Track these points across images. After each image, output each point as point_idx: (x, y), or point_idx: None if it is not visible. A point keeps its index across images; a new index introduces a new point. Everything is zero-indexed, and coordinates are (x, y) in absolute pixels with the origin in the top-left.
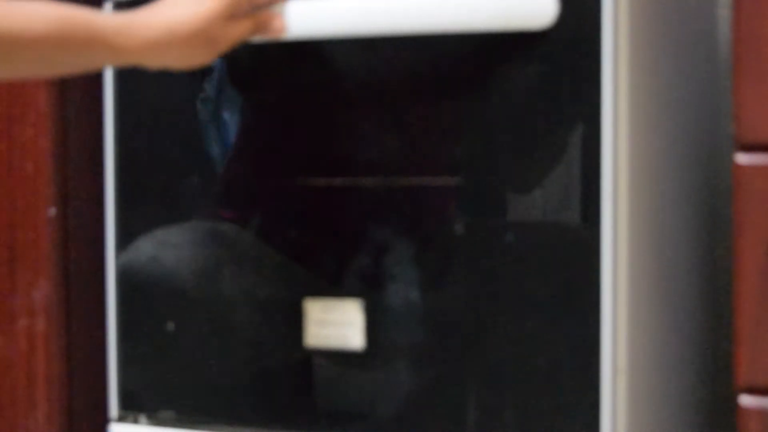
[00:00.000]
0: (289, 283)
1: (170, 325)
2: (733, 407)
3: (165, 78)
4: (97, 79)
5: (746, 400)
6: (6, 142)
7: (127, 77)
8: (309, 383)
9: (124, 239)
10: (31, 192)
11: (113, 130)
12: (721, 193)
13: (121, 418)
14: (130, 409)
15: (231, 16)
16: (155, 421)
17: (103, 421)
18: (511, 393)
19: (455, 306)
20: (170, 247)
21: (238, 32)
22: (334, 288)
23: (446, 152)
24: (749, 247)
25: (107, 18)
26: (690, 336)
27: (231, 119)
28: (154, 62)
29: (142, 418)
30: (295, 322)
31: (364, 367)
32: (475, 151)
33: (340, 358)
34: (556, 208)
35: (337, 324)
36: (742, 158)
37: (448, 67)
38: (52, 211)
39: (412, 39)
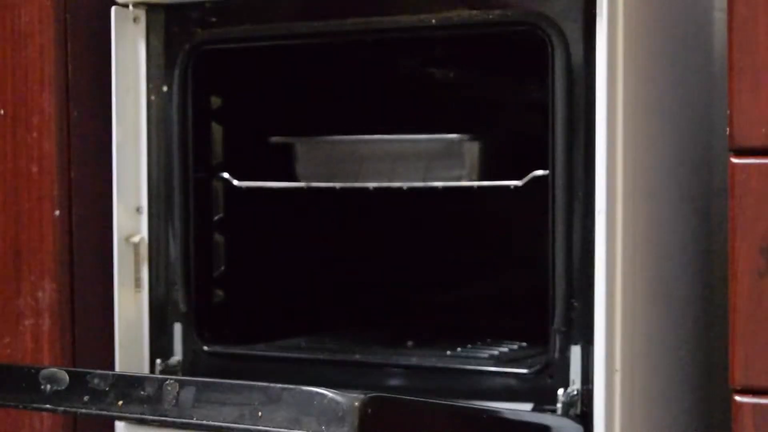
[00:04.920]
0: None
1: None
2: (728, 406)
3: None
4: (101, 82)
5: (741, 399)
6: (11, 144)
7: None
8: None
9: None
10: (36, 194)
11: (117, 133)
12: (716, 193)
13: None
14: None
15: None
16: None
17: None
18: None
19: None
20: None
21: None
22: None
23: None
24: (744, 248)
25: None
26: (685, 336)
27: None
28: None
29: None
30: None
31: None
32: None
33: None
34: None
35: None
36: (737, 159)
37: None
38: (57, 213)
39: None
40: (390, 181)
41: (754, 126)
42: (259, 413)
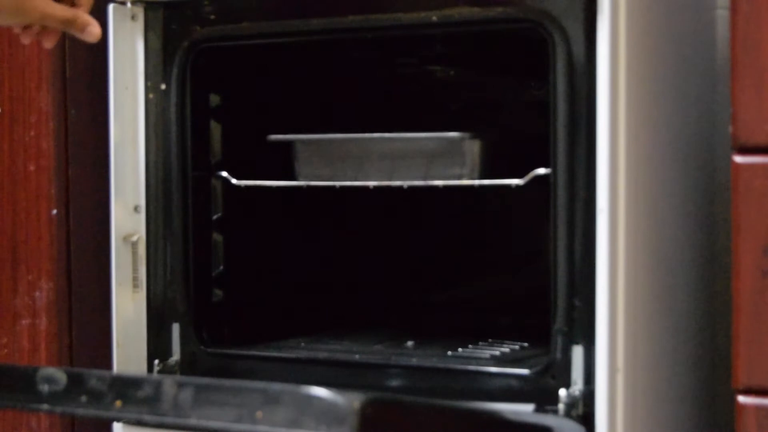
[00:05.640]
0: None
1: None
2: (731, 406)
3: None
4: (99, 80)
5: (744, 400)
6: (8, 142)
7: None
8: None
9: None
10: (33, 193)
11: (115, 131)
12: (718, 192)
13: None
14: None
15: None
16: None
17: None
18: None
19: None
20: None
21: (52, 11)
22: None
23: None
24: (747, 247)
25: None
26: (688, 336)
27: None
28: None
29: None
30: None
31: None
32: None
33: None
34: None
35: None
36: (740, 158)
37: None
38: (55, 212)
39: None
40: (390, 179)
41: (757, 124)
42: (258, 414)
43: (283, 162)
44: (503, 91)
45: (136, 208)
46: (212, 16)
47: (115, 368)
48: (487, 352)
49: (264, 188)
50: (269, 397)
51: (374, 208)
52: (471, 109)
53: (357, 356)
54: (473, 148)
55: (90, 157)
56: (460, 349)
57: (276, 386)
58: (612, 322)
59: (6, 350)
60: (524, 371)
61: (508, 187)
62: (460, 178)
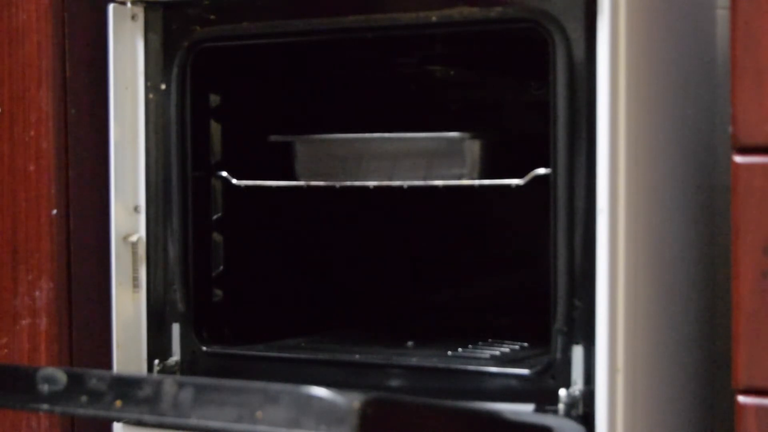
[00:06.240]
0: None
1: None
2: (731, 406)
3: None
4: (99, 80)
5: (744, 400)
6: (8, 143)
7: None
8: None
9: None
10: (33, 193)
11: (115, 131)
12: (718, 192)
13: None
14: None
15: None
16: None
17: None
18: None
19: None
20: None
21: None
22: None
23: None
24: (747, 247)
25: None
26: (688, 336)
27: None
28: None
29: None
30: None
31: None
32: None
33: None
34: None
35: None
36: (740, 158)
37: None
38: (55, 212)
39: None
40: (390, 180)
41: (757, 124)
42: (258, 414)
43: (283, 162)
44: (503, 91)
45: (136, 209)
46: (212, 16)
47: (115, 368)
48: (487, 352)
49: (264, 188)
50: (269, 397)
51: (374, 208)
52: (471, 109)
53: (357, 356)
54: (473, 148)
55: (90, 157)
56: (460, 349)
57: (276, 386)
58: (612, 322)
59: (6, 350)
60: (524, 371)
61: (508, 187)
62: (460, 178)
